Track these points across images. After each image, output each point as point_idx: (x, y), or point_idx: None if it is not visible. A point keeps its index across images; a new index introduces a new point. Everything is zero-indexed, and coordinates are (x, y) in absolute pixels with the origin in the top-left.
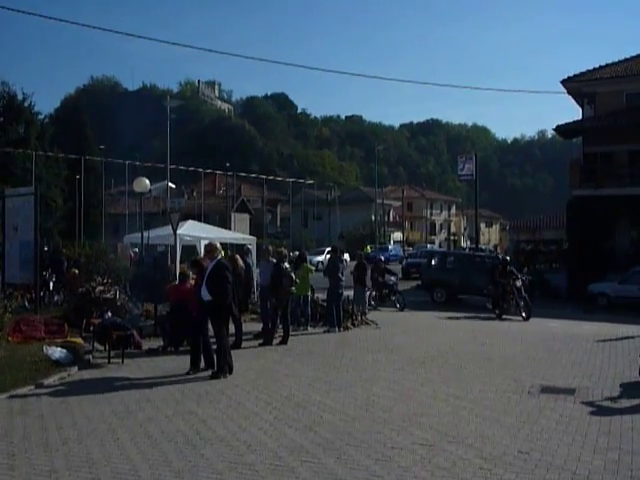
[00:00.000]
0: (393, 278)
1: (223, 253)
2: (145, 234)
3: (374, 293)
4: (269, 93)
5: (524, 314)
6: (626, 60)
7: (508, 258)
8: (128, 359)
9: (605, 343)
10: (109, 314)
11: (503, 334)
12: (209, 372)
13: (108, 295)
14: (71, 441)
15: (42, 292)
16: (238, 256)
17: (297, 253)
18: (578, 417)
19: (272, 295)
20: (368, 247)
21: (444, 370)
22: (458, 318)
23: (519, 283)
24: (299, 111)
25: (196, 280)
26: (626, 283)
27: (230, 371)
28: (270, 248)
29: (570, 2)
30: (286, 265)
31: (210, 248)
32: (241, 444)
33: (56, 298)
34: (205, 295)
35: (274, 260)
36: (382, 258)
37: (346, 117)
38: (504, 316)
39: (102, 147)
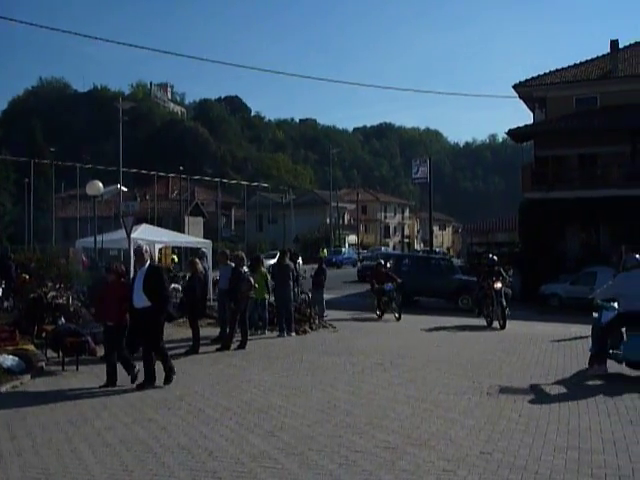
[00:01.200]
0: (391, 284)
1: (176, 258)
2: (98, 238)
3: (375, 302)
4: (222, 96)
5: (500, 322)
6: (575, 65)
7: (495, 258)
8: (83, 366)
9: (559, 343)
10: (62, 320)
11: (460, 336)
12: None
13: (61, 301)
14: (26, 452)
15: None
16: (197, 260)
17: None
18: (537, 417)
19: (230, 299)
20: (325, 250)
21: (403, 372)
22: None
23: (498, 285)
24: (253, 114)
25: (114, 286)
26: (577, 284)
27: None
28: (227, 252)
29: (521, 6)
30: (245, 269)
31: (140, 252)
32: (202, 451)
33: (6, 304)
34: (141, 301)
35: (232, 264)
36: (382, 262)
37: (300, 120)
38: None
39: (52, 150)
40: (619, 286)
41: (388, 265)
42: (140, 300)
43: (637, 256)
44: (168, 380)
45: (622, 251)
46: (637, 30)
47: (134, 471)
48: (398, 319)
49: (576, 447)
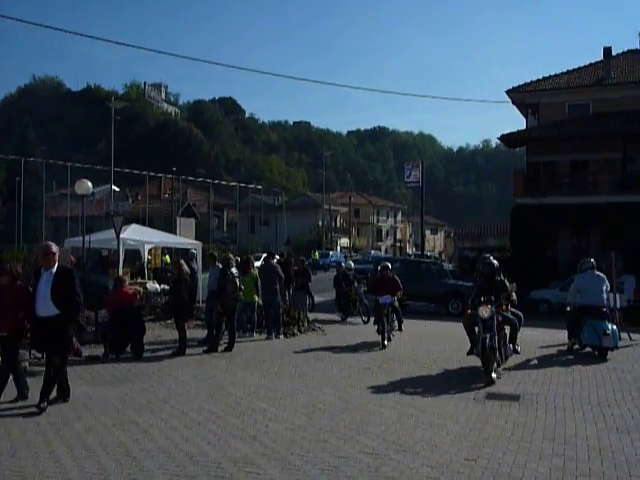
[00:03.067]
0: (390, 297)
1: (168, 258)
2: (87, 238)
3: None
4: (216, 97)
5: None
6: (568, 72)
7: (495, 262)
8: (67, 367)
9: (548, 349)
10: None
11: (446, 339)
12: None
13: None
14: (3, 455)
15: None
16: (183, 261)
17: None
18: (523, 423)
19: (218, 301)
20: (316, 253)
21: (391, 377)
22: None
23: (485, 313)
24: (247, 116)
25: (9, 289)
26: (567, 290)
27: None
28: (215, 254)
29: (516, 11)
30: (233, 271)
31: (48, 251)
32: (183, 455)
33: None
34: (47, 310)
35: (220, 265)
36: (389, 264)
37: (294, 123)
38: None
39: (43, 148)
40: (576, 284)
41: (379, 269)
42: (46, 308)
43: (591, 260)
44: (63, 398)
45: (612, 257)
46: (630, 38)
47: (112, 475)
48: (383, 346)
49: (561, 454)
